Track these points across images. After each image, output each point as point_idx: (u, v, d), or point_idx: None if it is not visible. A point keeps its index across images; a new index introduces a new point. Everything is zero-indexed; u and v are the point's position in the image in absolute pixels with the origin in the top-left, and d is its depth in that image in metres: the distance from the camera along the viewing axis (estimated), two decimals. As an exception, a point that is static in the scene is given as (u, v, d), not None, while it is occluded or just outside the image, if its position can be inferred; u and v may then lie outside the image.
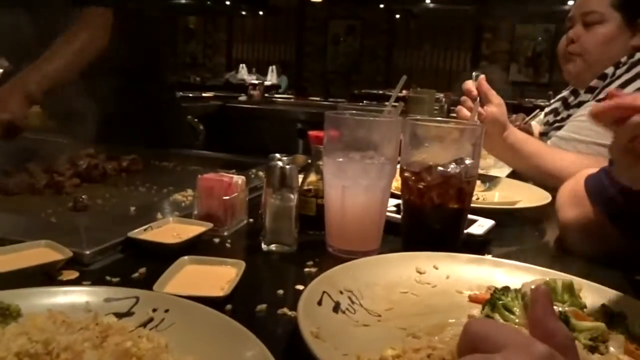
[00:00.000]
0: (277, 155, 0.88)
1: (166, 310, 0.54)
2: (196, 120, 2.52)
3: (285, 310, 0.63)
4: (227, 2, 8.79)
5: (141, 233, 0.80)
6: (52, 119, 1.74)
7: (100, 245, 0.75)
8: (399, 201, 0.92)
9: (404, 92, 3.26)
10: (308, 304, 0.58)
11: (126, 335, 0.45)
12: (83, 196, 1.06)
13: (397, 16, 10.06)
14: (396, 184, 0.94)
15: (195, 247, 0.82)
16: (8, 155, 1.48)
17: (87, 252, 0.73)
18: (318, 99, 6.35)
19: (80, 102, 1.43)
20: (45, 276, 0.67)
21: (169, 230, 0.84)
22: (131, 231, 0.79)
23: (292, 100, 5.82)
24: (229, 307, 0.62)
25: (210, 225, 0.86)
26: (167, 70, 1.94)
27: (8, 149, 1.66)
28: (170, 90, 2.05)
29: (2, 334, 0.44)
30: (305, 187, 0.93)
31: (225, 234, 0.90)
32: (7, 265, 0.65)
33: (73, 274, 0.70)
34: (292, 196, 0.84)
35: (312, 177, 0.94)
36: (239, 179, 0.94)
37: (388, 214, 0.89)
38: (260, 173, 1.31)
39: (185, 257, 0.71)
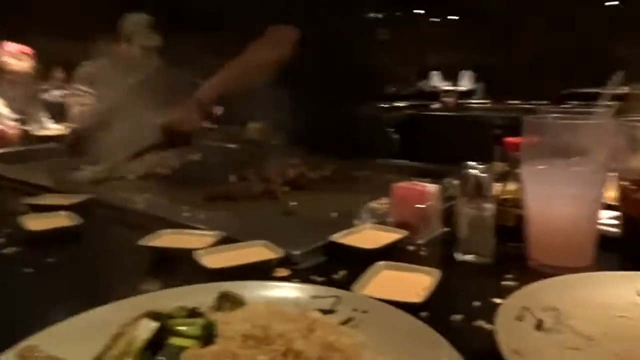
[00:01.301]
0: (472, 163, 0.86)
1: (364, 311, 0.58)
2: (391, 129, 2.58)
3: (482, 323, 0.61)
4: (418, 11, 8.79)
5: (342, 237, 0.86)
6: (267, 131, 1.96)
7: (308, 247, 0.83)
8: (617, 213, 0.82)
9: (622, 88, 2.87)
10: (507, 319, 0.55)
11: (330, 330, 0.49)
12: (292, 202, 1.18)
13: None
14: (612, 194, 0.84)
15: (391, 253, 0.85)
16: (231, 165, 1.72)
17: (297, 253, 0.81)
18: (517, 102, 5.95)
19: (291, 115, 1.59)
20: (262, 272, 0.77)
21: (367, 235, 0.89)
22: (333, 235, 0.86)
23: (489, 105, 5.55)
24: (424, 313, 0.63)
25: (405, 232, 0.88)
26: (370, 82, 2.02)
27: (231, 159, 1.93)
28: (372, 102, 2.13)
29: (231, 318, 0.53)
30: (503, 197, 0.89)
31: (420, 241, 0.91)
32: (233, 261, 0.76)
33: (285, 272, 0.78)
34: (488, 206, 0.81)
35: (511, 186, 0.90)
36: (432, 188, 0.94)
37: (603, 227, 0.81)
38: (455, 182, 1.29)
39: (382, 262, 0.74)
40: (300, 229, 0.94)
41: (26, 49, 2.82)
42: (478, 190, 0.80)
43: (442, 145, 3.83)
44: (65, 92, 2.97)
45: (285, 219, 1.12)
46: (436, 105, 5.13)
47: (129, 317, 0.53)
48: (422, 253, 0.87)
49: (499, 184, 0.96)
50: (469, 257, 0.82)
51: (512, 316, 0.57)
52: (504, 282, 0.74)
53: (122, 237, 1.00)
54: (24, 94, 2.77)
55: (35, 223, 0.95)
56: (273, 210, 1.18)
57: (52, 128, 2.57)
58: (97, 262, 0.85)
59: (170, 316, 0.50)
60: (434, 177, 1.47)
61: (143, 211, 1.05)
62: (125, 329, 0.48)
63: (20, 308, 0.69)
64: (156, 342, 0.47)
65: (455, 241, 0.84)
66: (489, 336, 0.57)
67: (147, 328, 0.46)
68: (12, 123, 2.17)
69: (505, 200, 0.90)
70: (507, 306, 0.58)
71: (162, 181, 1.56)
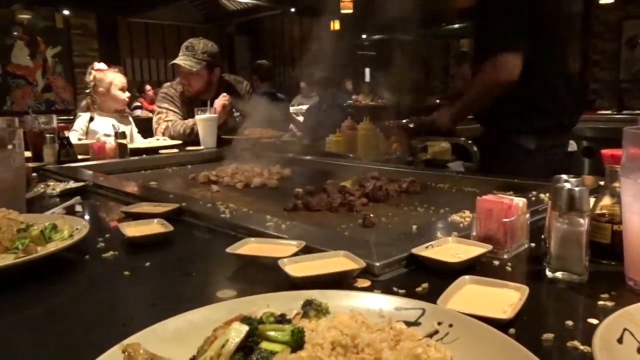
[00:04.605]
0: (564, 176, 0.82)
1: (450, 325, 0.56)
2: (470, 142, 2.52)
3: (576, 343, 0.58)
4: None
5: (423, 250, 0.85)
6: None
7: (388, 258, 0.83)
8: None
9: None
10: (606, 341, 0.52)
11: (416, 342, 0.48)
12: (370, 214, 1.18)
13: None
14: None
15: (474, 267, 0.83)
16: (311, 177, 1.76)
17: (378, 264, 0.81)
18: (609, 112, 5.59)
19: None
20: (343, 282, 0.77)
21: (449, 249, 0.87)
22: (414, 248, 0.85)
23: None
24: (512, 330, 0.60)
25: (489, 247, 0.86)
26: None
27: (311, 171, 1.98)
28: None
29: (317, 325, 0.54)
30: (599, 212, 0.84)
31: (505, 256, 0.88)
32: (315, 270, 0.78)
33: (366, 282, 0.79)
34: (582, 221, 0.77)
35: (607, 201, 0.85)
36: (519, 201, 0.91)
37: None
38: (542, 195, 1.24)
39: (466, 277, 0.73)
40: (379, 240, 0.93)
41: (117, 67, 3.06)
42: (571, 204, 0.77)
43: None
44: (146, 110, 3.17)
45: (363, 230, 1.12)
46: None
47: (221, 320, 0.55)
48: (507, 268, 0.84)
49: (592, 198, 0.91)
50: (560, 275, 0.78)
51: (613, 338, 0.53)
52: (600, 302, 0.69)
53: (210, 244, 1.05)
54: (117, 110, 2.99)
55: (132, 230, 1.02)
56: (351, 222, 1.19)
57: (142, 142, 2.74)
58: (187, 267, 0.90)
59: (260, 321, 0.52)
60: (518, 191, 1.42)
61: (229, 220, 1.10)
62: (219, 331, 0.50)
63: (120, 308, 0.75)
64: (247, 346, 0.49)
65: (545, 257, 0.80)
66: (585, 358, 0.54)
67: (240, 332, 0.48)
68: (111, 138, 2.34)
69: (600, 215, 0.85)
70: (606, 327, 0.54)
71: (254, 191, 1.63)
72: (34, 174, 1.86)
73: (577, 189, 0.76)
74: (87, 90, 2.97)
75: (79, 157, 2.21)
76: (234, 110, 3.02)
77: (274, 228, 1.01)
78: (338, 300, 0.63)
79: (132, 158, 2.23)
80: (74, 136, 2.73)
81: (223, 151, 2.41)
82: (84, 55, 8.39)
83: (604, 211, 0.86)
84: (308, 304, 0.60)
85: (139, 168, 2.16)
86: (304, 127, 5.76)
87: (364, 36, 9.09)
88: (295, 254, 0.85)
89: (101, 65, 3.06)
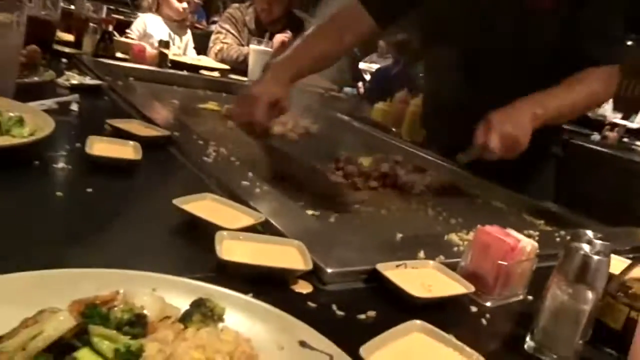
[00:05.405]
0: (589, 232, 0.65)
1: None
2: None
3: None
4: None
5: (391, 268, 0.70)
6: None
7: (345, 267, 0.69)
8: None
9: None
10: None
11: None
12: (363, 199, 1.03)
13: None
14: None
15: (444, 307, 0.68)
16: (337, 142, 1.60)
17: (329, 271, 0.67)
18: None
19: None
20: (279, 280, 0.65)
21: (423, 275, 0.72)
22: (382, 263, 0.71)
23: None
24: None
25: (471, 288, 0.70)
26: None
27: (341, 135, 1.81)
28: None
29: (182, 340, 0.42)
30: (616, 289, 0.67)
31: (488, 304, 0.72)
32: (252, 257, 0.65)
33: (307, 288, 0.65)
34: (589, 296, 0.60)
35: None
36: (528, 244, 0.74)
37: None
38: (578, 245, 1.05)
39: (417, 322, 0.58)
40: (351, 240, 0.79)
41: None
42: (582, 274, 0.60)
43: (588, 186, 3.26)
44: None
45: (346, 222, 0.98)
46: (596, 137, 4.48)
47: (83, 292, 0.44)
48: (483, 321, 0.68)
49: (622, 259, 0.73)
50: (542, 355, 0.62)
51: None
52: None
53: (172, 186, 0.94)
54: (174, 20, 2.88)
55: (99, 146, 0.92)
56: (341, 205, 1.05)
57: (188, 57, 2.64)
58: (127, 208, 0.79)
59: (104, 316, 0.40)
60: (554, 221, 1.23)
61: (207, 166, 0.98)
62: (43, 315, 0.39)
63: (16, 234, 0.65)
64: (67, 345, 0.37)
65: (532, 325, 0.64)
66: None
67: (60, 325, 0.37)
68: (155, 44, 2.25)
69: (620, 291, 0.68)
70: None
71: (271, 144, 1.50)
72: (65, 60, 1.81)
73: (595, 257, 0.59)
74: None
75: (119, 55, 2.14)
76: None
77: (245, 189, 0.89)
78: (240, 309, 0.51)
79: (168, 70, 2.13)
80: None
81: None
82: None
83: (630, 286, 0.68)
84: (197, 304, 0.48)
85: (171, 82, 2.06)
86: (366, 87, 5.54)
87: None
88: (247, 229, 0.73)
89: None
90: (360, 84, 5.81)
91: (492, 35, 1.37)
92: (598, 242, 0.63)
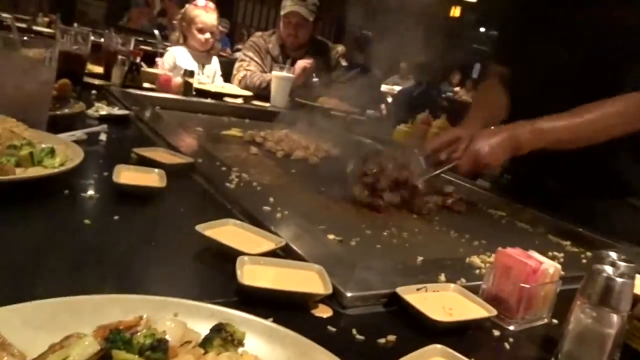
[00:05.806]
0: (612, 254, 0.64)
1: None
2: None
3: None
4: None
5: (411, 292, 0.70)
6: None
7: (365, 291, 0.69)
8: None
9: None
10: None
11: None
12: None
13: None
14: None
15: (465, 331, 0.68)
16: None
17: (349, 295, 0.68)
18: None
19: None
20: (299, 304, 0.65)
21: (444, 299, 0.72)
22: (402, 287, 0.70)
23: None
24: None
25: (494, 312, 0.70)
26: None
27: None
28: None
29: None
30: (644, 313, 0.65)
31: (512, 328, 0.71)
32: (271, 281, 0.66)
33: (327, 312, 0.66)
34: (614, 320, 0.59)
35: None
36: (551, 267, 0.73)
37: None
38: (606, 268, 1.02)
39: (438, 346, 0.58)
40: (371, 264, 0.79)
41: (212, 4, 3.01)
42: (605, 297, 0.59)
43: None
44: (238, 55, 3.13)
45: (368, 245, 0.98)
46: None
47: (107, 317, 0.46)
48: (506, 345, 0.67)
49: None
50: (566, 377, 0.61)
51: None
52: None
53: (196, 212, 0.96)
54: (200, 50, 2.96)
55: (125, 175, 0.95)
56: (362, 229, 1.05)
57: (216, 85, 2.70)
58: (154, 233, 0.82)
59: (127, 341, 0.41)
60: (580, 242, 1.20)
61: (228, 193, 1.00)
62: (70, 340, 0.40)
63: (42, 263, 0.67)
64: (92, 369, 0.39)
65: (556, 349, 0.63)
66: None
67: (85, 350, 0.38)
68: (180, 73, 2.31)
69: (649, 315, 0.66)
70: None
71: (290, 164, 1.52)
72: (94, 92, 1.88)
73: (618, 280, 0.58)
74: (175, 22, 2.97)
75: (146, 85, 2.21)
76: (314, 75, 2.91)
77: (266, 214, 0.90)
78: (260, 333, 0.51)
79: (193, 99, 2.19)
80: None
81: (287, 114, 2.32)
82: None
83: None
84: (217, 329, 0.49)
85: (196, 110, 2.11)
86: (389, 108, 5.55)
87: (482, 30, 8.55)
88: (268, 253, 0.74)
89: (200, 1, 3.04)
90: (382, 105, 5.84)
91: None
92: (622, 263, 0.62)
